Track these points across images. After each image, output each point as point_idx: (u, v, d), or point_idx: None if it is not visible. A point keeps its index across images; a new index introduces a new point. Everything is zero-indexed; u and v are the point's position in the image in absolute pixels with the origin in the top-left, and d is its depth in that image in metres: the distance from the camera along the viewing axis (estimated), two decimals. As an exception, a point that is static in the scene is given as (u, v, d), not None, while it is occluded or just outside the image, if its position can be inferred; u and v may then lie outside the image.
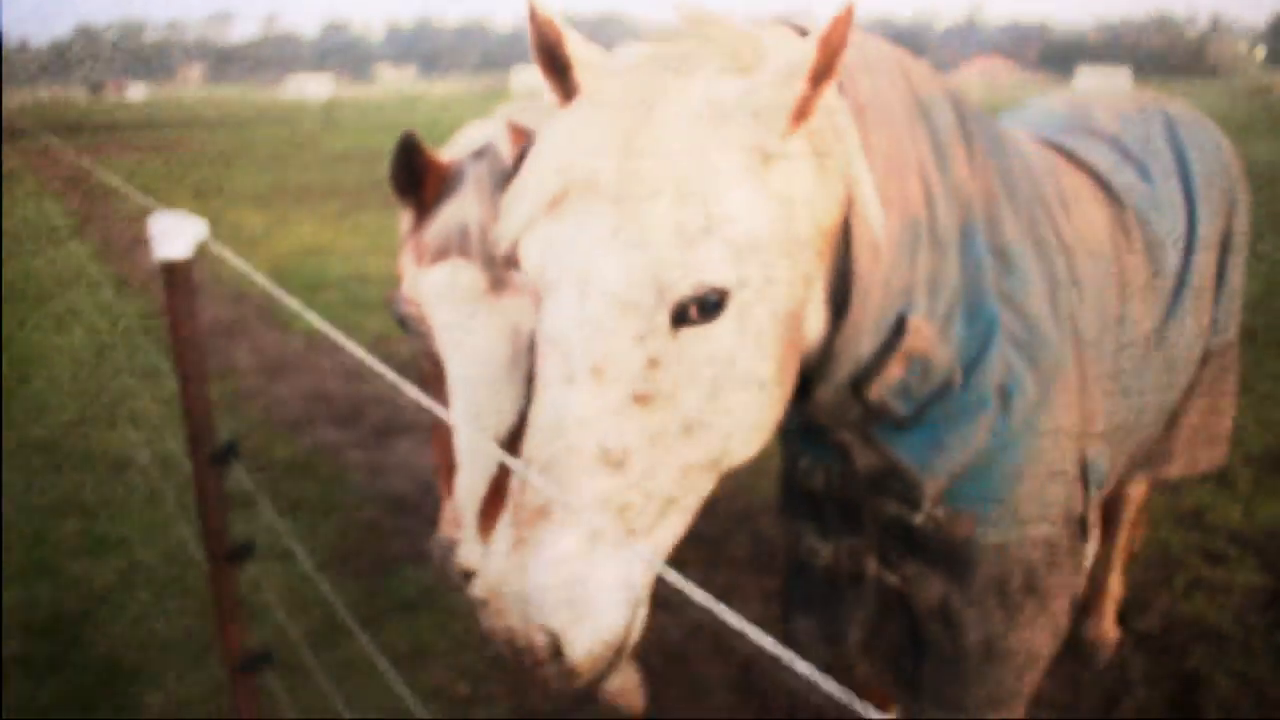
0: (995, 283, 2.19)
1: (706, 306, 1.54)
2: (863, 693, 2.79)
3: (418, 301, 2.35)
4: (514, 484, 1.56)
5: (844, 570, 2.57)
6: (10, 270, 10.93)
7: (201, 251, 2.60)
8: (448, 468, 2.38)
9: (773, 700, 3.92)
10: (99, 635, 4.35)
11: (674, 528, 1.65)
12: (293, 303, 2.35)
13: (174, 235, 2.45)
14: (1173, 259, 2.79)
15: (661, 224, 1.50)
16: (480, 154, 2.41)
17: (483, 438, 2.29)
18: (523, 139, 2.74)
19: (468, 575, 2.34)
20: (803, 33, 1.90)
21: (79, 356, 8.13)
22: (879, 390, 2.04)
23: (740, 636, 3.47)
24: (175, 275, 2.49)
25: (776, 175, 1.62)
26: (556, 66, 1.70)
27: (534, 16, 1.67)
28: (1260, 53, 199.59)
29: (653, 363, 1.52)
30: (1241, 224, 3.24)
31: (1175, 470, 3.51)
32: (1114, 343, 2.51)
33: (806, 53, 1.55)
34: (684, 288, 1.51)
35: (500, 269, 2.31)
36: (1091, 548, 2.62)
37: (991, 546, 2.36)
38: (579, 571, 1.49)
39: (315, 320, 2.19)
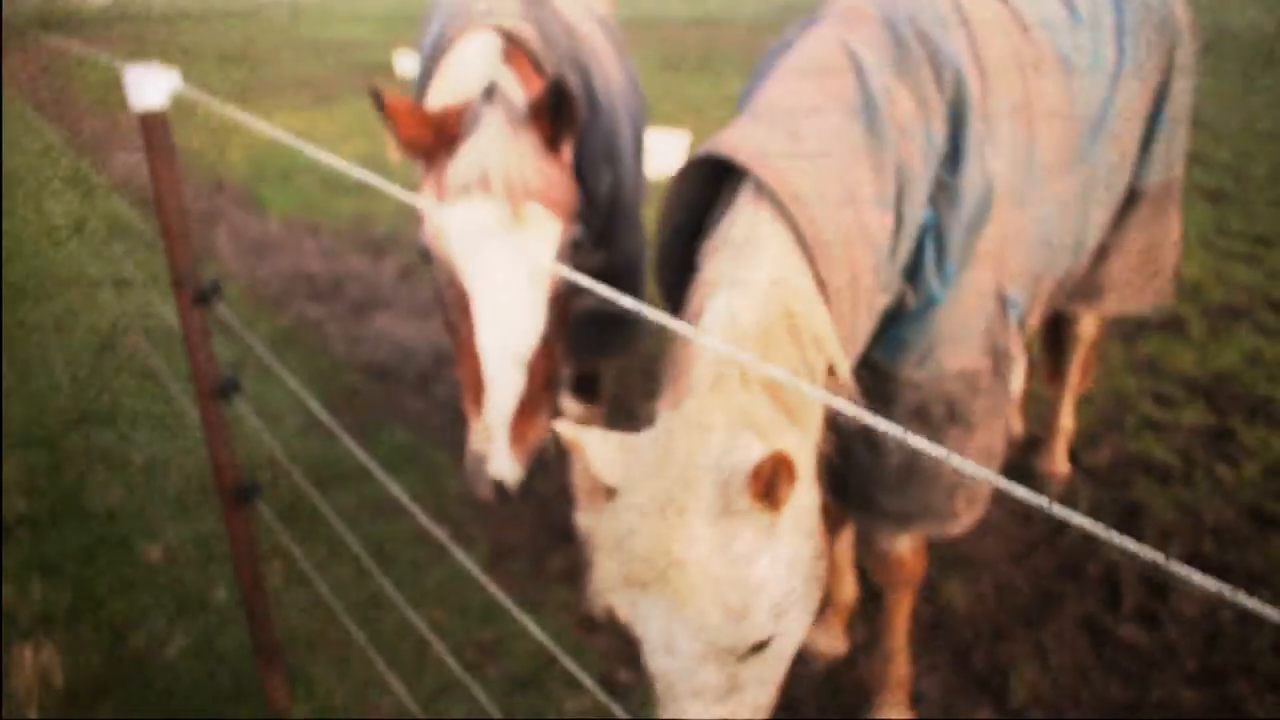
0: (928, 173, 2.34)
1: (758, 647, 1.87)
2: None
3: (442, 236, 2.49)
4: None
5: None
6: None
7: (178, 119, 2.69)
8: (474, 389, 2.56)
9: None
10: (97, 495, 4.54)
11: None
12: (267, 127, 2.45)
13: (149, 86, 2.53)
14: (1092, 89, 2.83)
15: (710, 609, 1.79)
16: (490, 95, 2.57)
17: (509, 360, 2.49)
18: (529, 68, 2.88)
19: (498, 485, 2.55)
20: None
21: (57, 230, 8.18)
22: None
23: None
24: (152, 126, 2.58)
25: (785, 518, 1.85)
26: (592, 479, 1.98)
27: (563, 438, 1.93)
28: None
29: (731, 677, 1.88)
30: (1184, 60, 3.30)
31: (1111, 306, 3.65)
32: (1023, 168, 2.54)
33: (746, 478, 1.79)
34: (741, 649, 1.84)
35: (518, 203, 2.47)
36: (1017, 377, 2.80)
37: (910, 380, 2.52)
38: None
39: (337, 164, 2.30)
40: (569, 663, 2.06)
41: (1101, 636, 3.58)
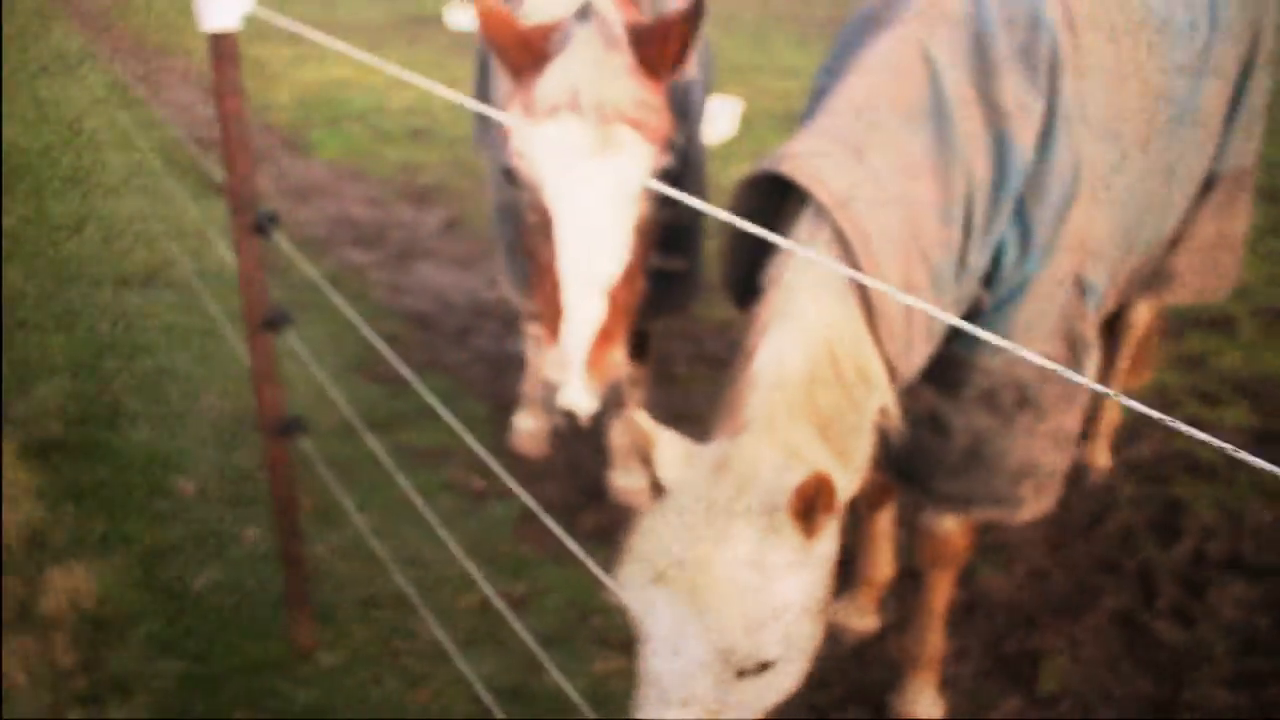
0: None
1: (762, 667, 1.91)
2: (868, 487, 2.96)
3: (528, 155, 2.45)
4: None
5: None
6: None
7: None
8: (553, 315, 2.50)
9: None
10: (133, 426, 4.57)
11: None
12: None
13: (222, 5, 2.52)
14: (1186, 54, 2.76)
15: (731, 619, 1.83)
16: (584, 14, 2.49)
17: (592, 287, 2.43)
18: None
19: (569, 415, 2.51)
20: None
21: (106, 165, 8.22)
22: None
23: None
24: (222, 47, 2.57)
25: (815, 553, 1.92)
26: (647, 459, 2.02)
27: (634, 428, 2.00)
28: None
29: (724, 691, 1.90)
30: (1268, 46, 3.21)
31: (1179, 295, 3.59)
32: (1112, 157, 2.51)
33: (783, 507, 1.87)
34: (748, 664, 1.87)
35: (609, 125, 2.41)
36: (1092, 365, 2.74)
37: (980, 366, 2.48)
38: None
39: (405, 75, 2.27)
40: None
41: (1136, 632, 3.54)
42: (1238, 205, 3.51)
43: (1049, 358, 2.50)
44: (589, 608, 3.51)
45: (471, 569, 2.84)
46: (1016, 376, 2.49)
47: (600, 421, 3.84)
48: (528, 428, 4.54)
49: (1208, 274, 3.60)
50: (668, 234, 2.65)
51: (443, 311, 5.93)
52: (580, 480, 4.34)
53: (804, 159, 2.19)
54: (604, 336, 2.47)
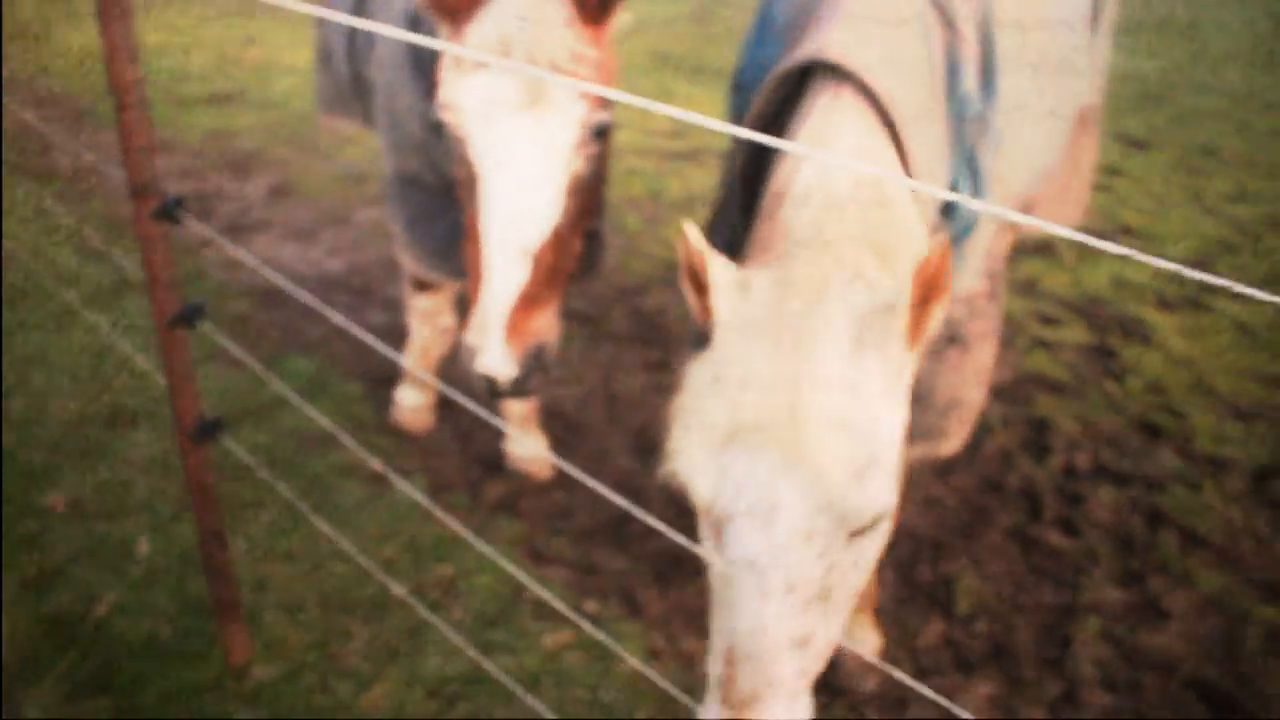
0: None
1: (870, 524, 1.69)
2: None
3: (456, 108, 2.31)
4: (724, 675, 1.69)
5: None
6: None
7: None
8: (477, 277, 2.39)
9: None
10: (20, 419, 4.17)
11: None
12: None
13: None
14: (1061, 30, 2.91)
15: (835, 462, 1.60)
16: None
17: (515, 248, 2.32)
18: None
19: (489, 380, 2.40)
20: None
21: None
22: None
23: (632, 406, 3.66)
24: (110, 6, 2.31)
25: (906, 380, 1.76)
26: (699, 286, 1.79)
27: (685, 244, 1.76)
28: None
29: (830, 570, 1.68)
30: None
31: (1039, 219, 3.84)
32: (1025, 98, 2.58)
33: (902, 292, 1.67)
34: (861, 519, 1.65)
35: (538, 82, 2.28)
36: (1004, 298, 2.88)
37: None
38: None
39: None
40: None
41: (1029, 545, 3.80)
42: (1088, 138, 3.76)
43: (974, 293, 2.63)
44: (520, 581, 3.47)
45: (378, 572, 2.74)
46: (949, 313, 2.60)
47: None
48: (411, 403, 4.41)
49: (1065, 203, 3.84)
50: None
51: (290, 286, 5.64)
52: (475, 452, 4.26)
53: (828, 47, 2.08)
54: (528, 301, 2.39)
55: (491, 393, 2.45)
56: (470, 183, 2.42)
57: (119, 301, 5.24)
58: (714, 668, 1.73)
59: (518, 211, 2.36)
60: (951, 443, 2.84)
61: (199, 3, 12.23)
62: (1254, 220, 6.89)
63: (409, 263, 3.56)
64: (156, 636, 3.18)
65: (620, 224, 6.38)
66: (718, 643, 1.72)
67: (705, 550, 1.81)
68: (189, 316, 2.62)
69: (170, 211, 2.50)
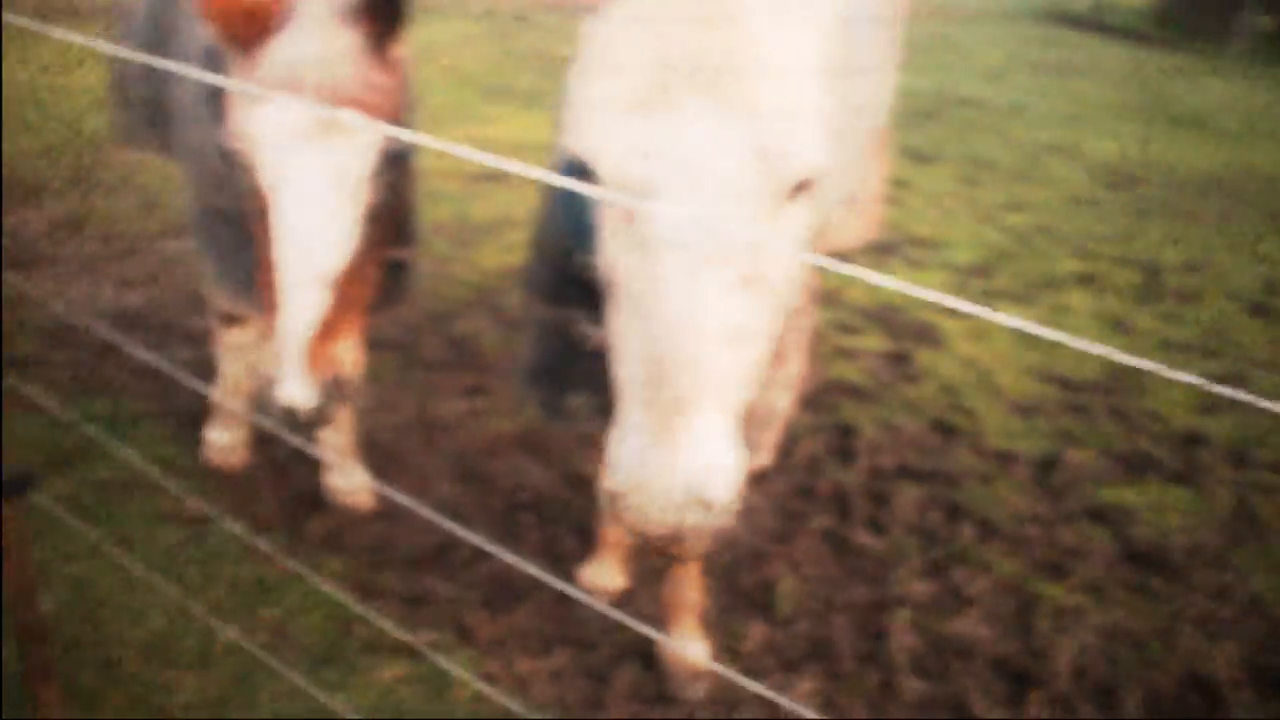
0: None
1: (800, 186, 1.54)
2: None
3: (246, 137, 2.27)
4: (644, 394, 1.52)
5: None
6: None
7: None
8: (273, 307, 2.37)
9: (493, 485, 4.19)
10: None
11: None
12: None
13: None
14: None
15: (768, 107, 1.46)
16: None
17: (310, 279, 2.31)
18: None
19: (289, 412, 2.38)
20: None
21: None
22: None
23: (449, 432, 3.67)
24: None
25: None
26: None
27: None
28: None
29: (758, 246, 1.52)
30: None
31: (839, 241, 4.05)
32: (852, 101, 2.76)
33: None
34: (790, 172, 1.49)
35: (331, 106, 2.27)
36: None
37: None
38: (723, 445, 1.56)
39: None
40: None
41: (841, 546, 4.01)
42: (877, 159, 4.01)
43: (794, 307, 2.78)
44: (350, 616, 3.42)
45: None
46: None
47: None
48: (223, 441, 4.27)
49: (860, 218, 4.09)
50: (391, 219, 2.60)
51: (82, 324, 5.36)
52: (294, 487, 4.16)
53: None
54: (327, 329, 2.41)
55: (292, 423, 2.44)
56: (263, 212, 2.40)
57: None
58: (629, 395, 1.55)
59: (311, 241, 2.36)
60: (763, 454, 2.98)
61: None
62: (1028, 228, 7.46)
63: (217, 296, 3.47)
64: (-46, 709, 2.98)
65: (427, 248, 6.34)
66: (631, 365, 1.55)
67: (609, 252, 1.58)
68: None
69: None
